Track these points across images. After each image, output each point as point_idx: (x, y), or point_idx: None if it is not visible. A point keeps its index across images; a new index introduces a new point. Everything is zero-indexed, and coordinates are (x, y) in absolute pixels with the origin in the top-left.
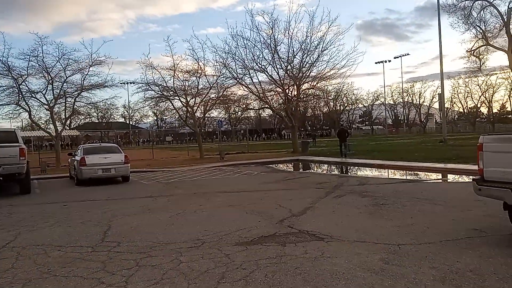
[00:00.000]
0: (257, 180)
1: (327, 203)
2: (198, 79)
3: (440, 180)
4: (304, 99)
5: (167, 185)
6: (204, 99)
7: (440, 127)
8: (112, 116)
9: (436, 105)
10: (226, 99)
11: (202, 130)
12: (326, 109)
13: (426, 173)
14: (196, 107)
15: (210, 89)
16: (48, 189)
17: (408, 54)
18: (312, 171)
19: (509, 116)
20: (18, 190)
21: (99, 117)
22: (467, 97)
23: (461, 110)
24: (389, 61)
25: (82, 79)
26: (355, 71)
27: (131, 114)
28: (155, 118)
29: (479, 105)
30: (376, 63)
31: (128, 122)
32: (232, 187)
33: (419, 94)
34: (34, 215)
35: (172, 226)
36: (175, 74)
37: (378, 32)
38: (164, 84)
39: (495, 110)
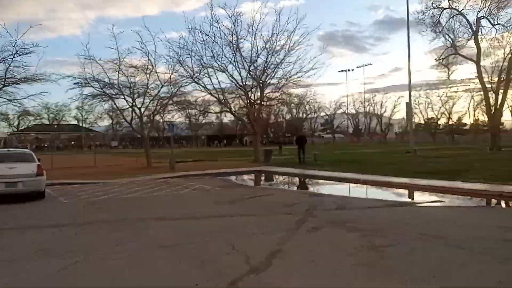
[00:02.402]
0: (209, 199)
1: (302, 243)
2: (148, 76)
3: (438, 204)
4: (268, 103)
5: (89, 206)
6: (154, 99)
7: (401, 137)
8: (63, 118)
9: (396, 116)
10: (182, 100)
11: (161, 136)
12: (289, 116)
13: (413, 191)
14: (144, 109)
15: (161, 88)
16: None
17: (370, 64)
18: (277, 186)
19: (466, 127)
20: None
21: (50, 118)
22: (427, 107)
23: (420, 121)
24: (352, 70)
25: (5, 70)
26: (317, 80)
27: (85, 117)
28: (111, 121)
29: (439, 116)
30: (339, 71)
31: (81, 125)
32: (174, 211)
33: (381, 104)
34: None
35: None
36: (120, 69)
37: (338, 44)
38: (106, 80)
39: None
